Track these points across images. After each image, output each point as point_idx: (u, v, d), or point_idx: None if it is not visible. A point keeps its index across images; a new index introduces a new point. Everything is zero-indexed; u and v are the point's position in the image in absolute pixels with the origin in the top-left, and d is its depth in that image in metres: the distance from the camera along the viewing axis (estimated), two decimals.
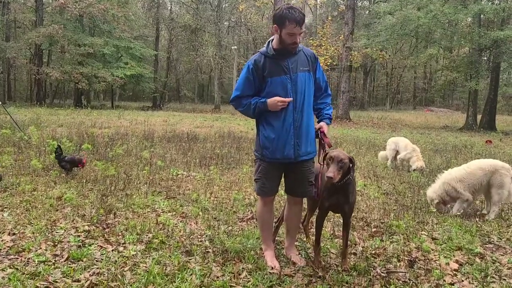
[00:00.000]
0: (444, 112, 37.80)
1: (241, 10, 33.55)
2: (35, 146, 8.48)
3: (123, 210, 4.48)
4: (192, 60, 41.92)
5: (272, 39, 3.13)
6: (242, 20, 39.10)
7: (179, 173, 7.08)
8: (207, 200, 5.10)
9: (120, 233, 3.67)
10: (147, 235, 3.66)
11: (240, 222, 4.25)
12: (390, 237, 3.90)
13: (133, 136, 11.74)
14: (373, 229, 4.11)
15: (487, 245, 3.80)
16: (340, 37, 26.73)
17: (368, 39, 23.28)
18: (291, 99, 3.05)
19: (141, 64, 33.01)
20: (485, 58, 21.90)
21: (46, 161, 6.97)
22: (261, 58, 3.10)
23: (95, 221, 4.01)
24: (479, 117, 22.94)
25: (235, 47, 33.38)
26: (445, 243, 3.76)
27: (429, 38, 24.02)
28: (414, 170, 7.93)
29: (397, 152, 8.56)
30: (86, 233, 3.67)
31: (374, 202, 5.31)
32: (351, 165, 3.06)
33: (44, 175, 6.14)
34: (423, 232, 4.06)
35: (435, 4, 20.06)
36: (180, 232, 3.81)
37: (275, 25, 3.01)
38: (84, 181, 5.86)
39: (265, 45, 3.15)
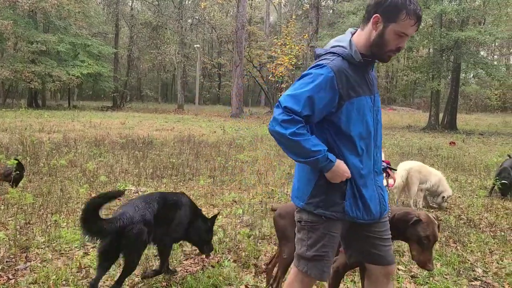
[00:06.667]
0: (406, 111, 38.48)
1: (203, 7, 32.64)
2: None
3: (43, 246, 3.68)
4: (154, 58, 40.65)
5: (351, 36, 2.03)
6: (206, 18, 38.11)
7: (126, 188, 6.32)
8: None
9: None
10: None
11: (185, 259, 3.54)
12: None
13: (82, 142, 10.77)
14: None
15: (473, 283, 3.27)
16: (305, 36, 26.38)
17: (332, 39, 22.97)
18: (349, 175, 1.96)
19: (99, 63, 31.66)
20: (445, 59, 22.09)
21: None
22: (345, 65, 1.94)
23: None
24: (440, 115, 23.15)
25: (198, 45, 32.45)
26: (427, 282, 3.20)
27: None
28: None
29: None
30: None
31: None
32: None
33: None
34: (399, 267, 3.50)
35: None
36: (106, 281, 3.07)
37: (376, 14, 1.89)
38: (8, 203, 4.99)
39: (345, 44, 2.00)
